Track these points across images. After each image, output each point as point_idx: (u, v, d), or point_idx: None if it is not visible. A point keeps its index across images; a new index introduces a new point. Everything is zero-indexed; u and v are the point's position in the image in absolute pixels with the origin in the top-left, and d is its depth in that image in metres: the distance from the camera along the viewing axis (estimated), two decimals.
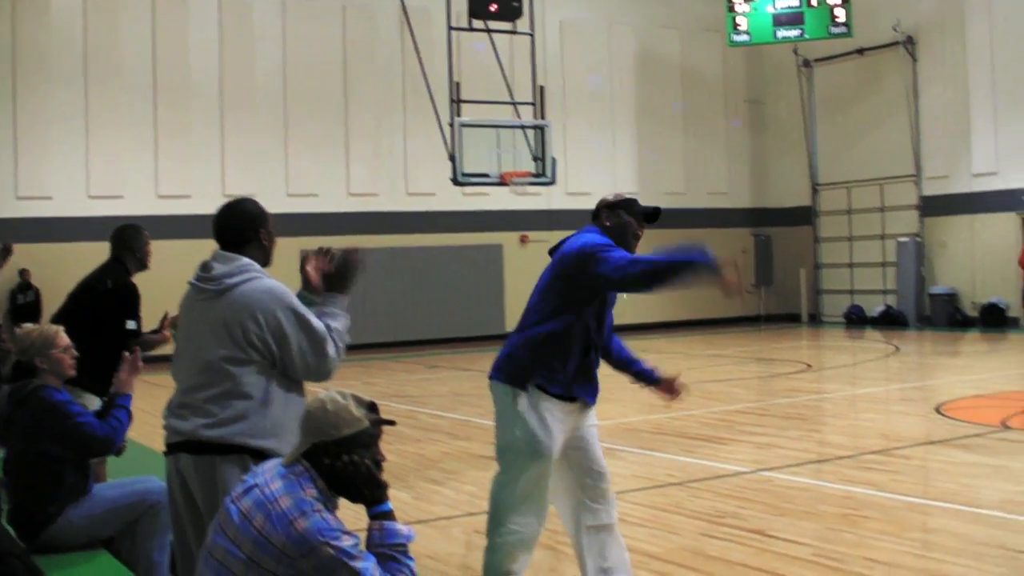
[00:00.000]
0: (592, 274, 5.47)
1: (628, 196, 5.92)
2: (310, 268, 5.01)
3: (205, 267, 4.94)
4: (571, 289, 5.61)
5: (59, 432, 5.76)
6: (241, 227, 4.97)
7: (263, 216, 5.02)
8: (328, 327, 4.78)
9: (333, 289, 4.97)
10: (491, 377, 5.78)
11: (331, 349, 4.76)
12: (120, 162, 24.94)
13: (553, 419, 5.61)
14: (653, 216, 5.88)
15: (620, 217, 5.77)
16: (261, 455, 4.58)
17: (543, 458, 5.58)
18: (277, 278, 4.88)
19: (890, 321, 29.03)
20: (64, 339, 6.06)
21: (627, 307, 27.92)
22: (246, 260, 4.88)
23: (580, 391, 5.77)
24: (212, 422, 4.73)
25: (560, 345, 5.63)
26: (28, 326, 6.23)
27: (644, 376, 6.39)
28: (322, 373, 4.78)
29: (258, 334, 4.71)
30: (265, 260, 4.99)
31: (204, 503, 4.74)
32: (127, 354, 6.02)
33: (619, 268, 5.39)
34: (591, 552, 5.83)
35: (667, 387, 6.34)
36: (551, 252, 5.83)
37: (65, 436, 5.76)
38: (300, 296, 4.93)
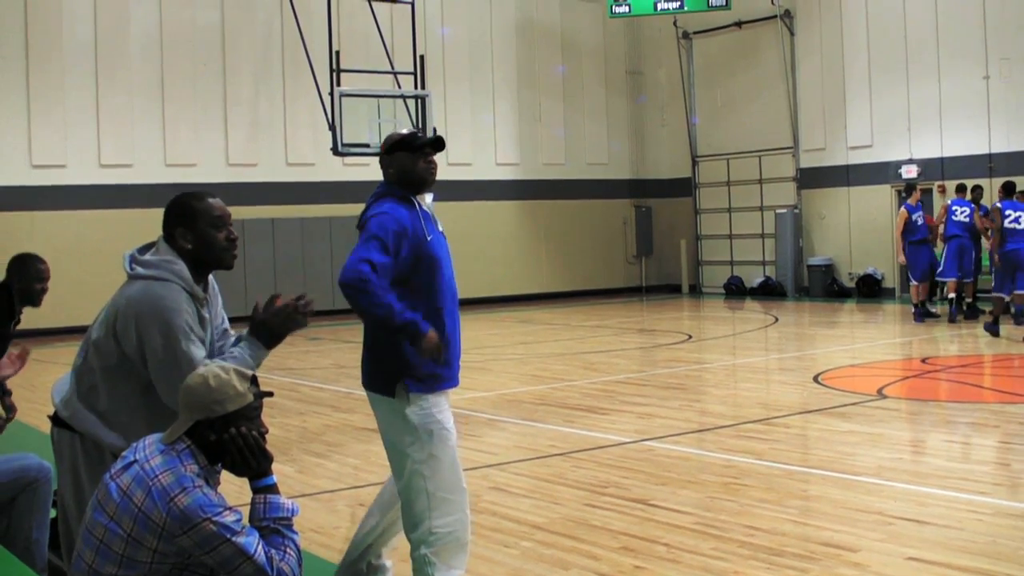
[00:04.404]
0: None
1: (406, 133, 5.55)
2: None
3: (144, 248, 4.79)
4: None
5: None
6: (164, 222, 4.78)
7: (183, 215, 4.73)
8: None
9: (258, 336, 4.76)
10: None
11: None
12: None
13: None
14: (437, 144, 5.52)
15: (400, 160, 5.45)
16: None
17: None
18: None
19: (769, 292, 29.41)
20: None
21: (506, 279, 27.92)
22: (169, 258, 4.67)
23: None
24: (68, 400, 4.68)
25: None
26: None
27: None
28: (169, 402, 4.50)
29: (123, 333, 4.59)
30: (196, 262, 4.71)
31: (72, 478, 4.66)
32: (13, 349, 5.94)
33: (355, 274, 5.08)
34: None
35: None
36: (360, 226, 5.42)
37: None
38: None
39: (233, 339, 4.86)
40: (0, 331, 7.32)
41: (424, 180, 5.48)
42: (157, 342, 4.53)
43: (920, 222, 21.06)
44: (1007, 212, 18.76)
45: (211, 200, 4.79)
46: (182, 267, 4.66)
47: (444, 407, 5.42)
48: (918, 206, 21.34)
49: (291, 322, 4.76)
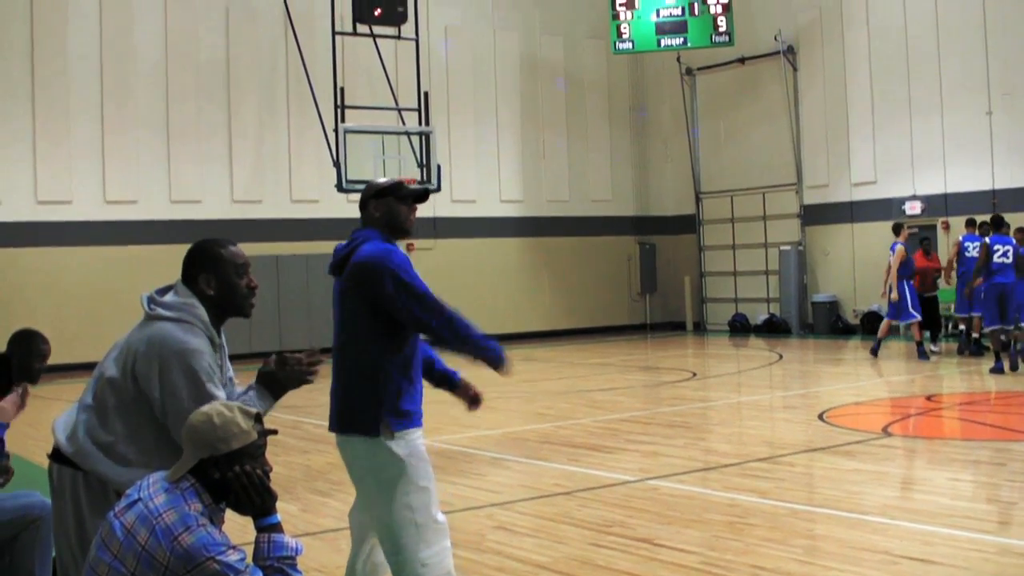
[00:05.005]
0: (387, 296, 5.31)
1: (393, 181, 5.73)
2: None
3: (163, 290, 4.83)
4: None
5: None
6: (184, 266, 4.84)
7: (208, 261, 4.81)
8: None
9: (266, 386, 4.83)
10: None
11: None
12: None
13: None
14: (422, 196, 5.66)
15: (389, 204, 5.53)
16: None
17: None
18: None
19: (773, 329, 29.37)
20: None
21: (510, 316, 27.86)
22: (191, 302, 4.72)
23: None
24: (73, 436, 4.67)
25: None
26: None
27: (446, 379, 6.01)
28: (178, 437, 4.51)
29: (144, 374, 4.60)
30: (216, 308, 4.79)
31: (74, 515, 4.65)
32: (17, 387, 5.95)
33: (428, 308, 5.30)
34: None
35: (465, 392, 6.01)
36: (340, 265, 5.51)
37: None
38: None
39: (241, 390, 4.87)
40: None
41: (408, 229, 5.60)
42: (181, 384, 4.55)
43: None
44: (995, 247, 18.94)
45: (234, 248, 4.87)
46: (203, 312, 4.72)
47: (422, 439, 5.50)
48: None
49: (299, 377, 4.84)
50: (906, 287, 20.87)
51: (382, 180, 5.69)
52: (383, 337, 5.34)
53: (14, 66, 24.14)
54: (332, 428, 5.55)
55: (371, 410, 5.33)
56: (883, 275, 21.66)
